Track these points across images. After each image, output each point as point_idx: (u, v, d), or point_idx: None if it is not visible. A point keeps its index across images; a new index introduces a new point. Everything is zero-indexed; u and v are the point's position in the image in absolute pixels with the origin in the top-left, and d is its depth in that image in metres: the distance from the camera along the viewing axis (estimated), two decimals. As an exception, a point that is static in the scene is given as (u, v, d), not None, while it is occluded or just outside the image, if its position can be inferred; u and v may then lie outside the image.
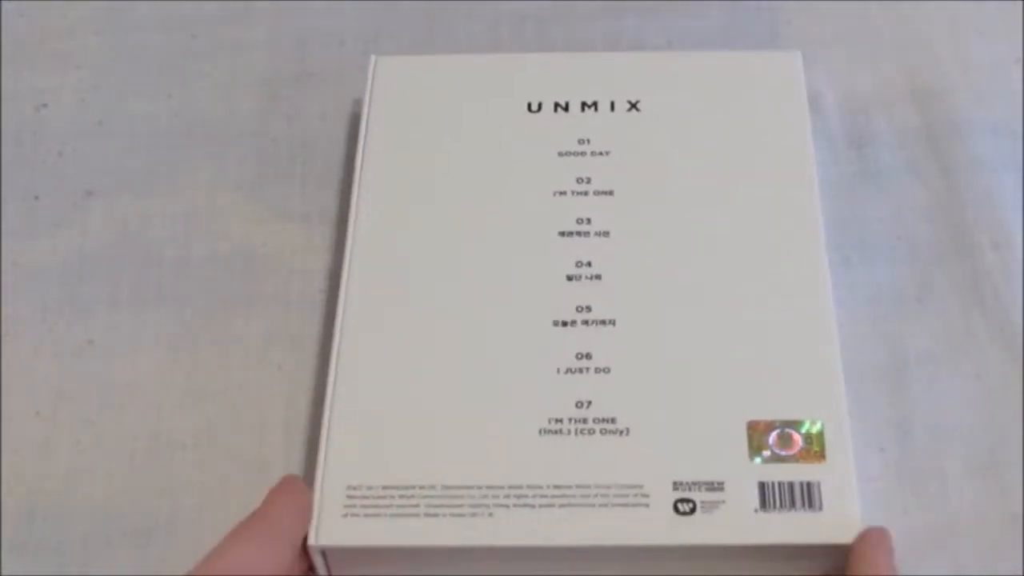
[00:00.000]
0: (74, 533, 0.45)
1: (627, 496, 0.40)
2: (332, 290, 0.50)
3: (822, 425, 0.42)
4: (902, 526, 0.42)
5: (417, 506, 0.40)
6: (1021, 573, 0.37)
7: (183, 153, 0.55)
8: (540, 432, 0.42)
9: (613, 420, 0.42)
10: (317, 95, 0.57)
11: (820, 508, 0.40)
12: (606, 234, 0.47)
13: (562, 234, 0.47)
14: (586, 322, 0.45)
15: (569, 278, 0.46)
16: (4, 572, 0.44)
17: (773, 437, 0.42)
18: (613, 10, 0.60)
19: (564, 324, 0.45)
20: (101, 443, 0.47)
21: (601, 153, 0.49)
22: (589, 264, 0.46)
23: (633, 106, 0.51)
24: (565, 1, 0.60)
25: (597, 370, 0.43)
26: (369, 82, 0.52)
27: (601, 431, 0.42)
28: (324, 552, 0.40)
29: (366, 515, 0.40)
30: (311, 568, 0.41)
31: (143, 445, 0.47)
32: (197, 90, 0.57)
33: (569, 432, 0.42)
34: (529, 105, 0.51)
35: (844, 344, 0.45)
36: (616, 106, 0.51)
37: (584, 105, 0.51)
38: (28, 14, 0.60)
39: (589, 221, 0.47)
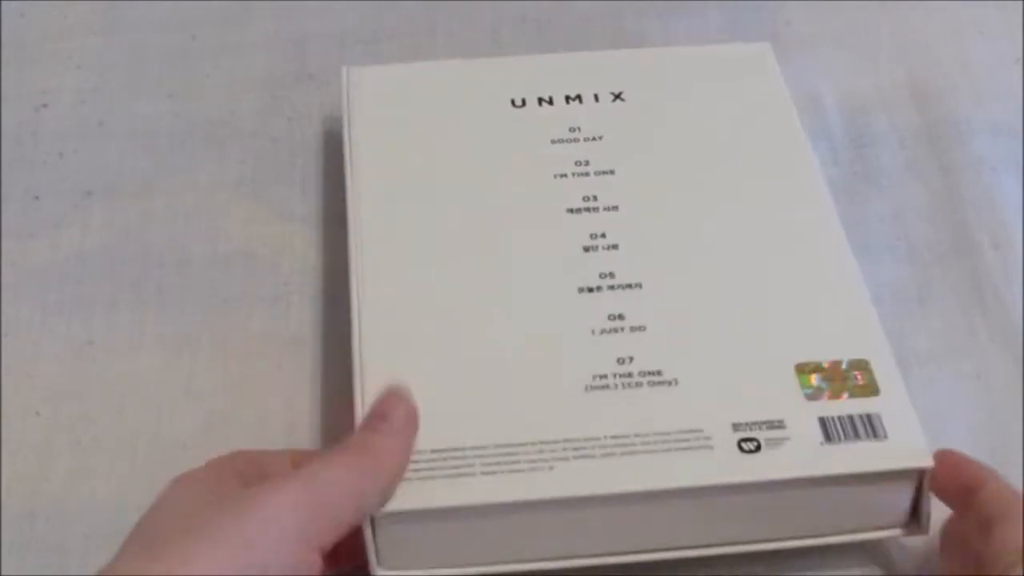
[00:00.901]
0: (74, 533, 0.45)
1: (688, 440, 0.40)
2: (332, 290, 0.50)
3: (869, 360, 0.42)
4: (902, 526, 0.42)
5: (472, 466, 0.39)
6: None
7: (183, 153, 0.55)
8: (586, 389, 0.42)
9: (659, 372, 0.42)
10: (317, 95, 0.57)
11: (885, 437, 0.40)
12: (615, 208, 0.47)
13: (571, 211, 0.47)
14: (612, 287, 0.44)
15: (586, 249, 0.46)
16: (4, 572, 0.44)
17: (823, 376, 0.42)
18: (613, 10, 0.60)
19: (590, 290, 0.44)
20: (101, 443, 0.47)
21: (594, 138, 0.50)
22: (603, 236, 0.46)
23: (617, 97, 0.51)
24: (565, 1, 0.60)
25: (632, 328, 0.43)
26: (345, 93, 0.52)
27: (649, 383, 0.42)
28: (374, 523, 0.38)
29: (419, 479, 0.39)
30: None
31: (143, 445, 0.47)
32: (197, 90, 0.57)
33: (616, 387, 0.42)
34: (513, 101, 0.51)
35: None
36: (600, 97, 0.51)
37: (568, 98, 0.51)
38: (28, 14, 0.60)
39: (595, 198, 0.47)
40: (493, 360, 0.43)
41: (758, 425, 0.40)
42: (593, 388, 0.42)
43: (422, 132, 0.50)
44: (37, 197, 0.54)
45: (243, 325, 0.50)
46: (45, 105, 0.57)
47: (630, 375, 0.42)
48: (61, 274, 0.51)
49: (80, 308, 0.50)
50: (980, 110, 0.56)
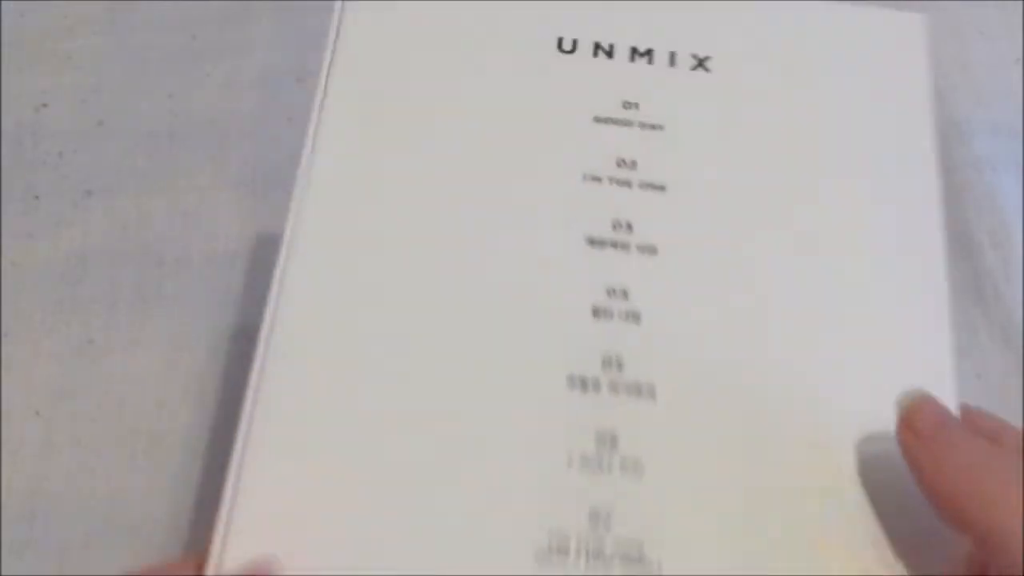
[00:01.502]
0: (74, 533, 0.45)
1: None
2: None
3: None
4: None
5: None
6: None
7: (183, 153, 0.55)
8: (536, 558, 0.31)
9: (640, 548, 0.31)
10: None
11: None
12: (652, 251, 0.35)
13: (592, 243, 0.35)
14: (612, 387, 0.33)
15: (595, 313, 0.34)
16: (4, 572, 0.44)
17: None
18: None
19: (583, 384, 0.33)
20: (101, 443, 0.47)
21: (653, 127, 0.37)
22: (625, 295, 0.34)
23: (700, 64, 0.38)
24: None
25: (623, 467, 0.32)
26: (333, 30, 0.39)
27: (621, 558, 0.31)
28: None
29: None
30: None
31: (143, 445, 0.47)
32: (197, 90, 0.57)
33: (581, 553, 0.30)
34: (560, 41, 0.38)
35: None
36: (678, 59, 0.38)
37: (635, 52, 0.38)
38: (28, 14, 0.60)
39: (630, 227, 0.35)
40: (412, 475, 0.32)
41: None
42: (551, 552, 0.30)
43: (418, 87, 0.37)
44: (37, 197, 0.54)
45: (243, 325, 0.50)
46: (45, 105, 0.57)
47: (601, 549, 0.30)
48: (61, 274, 0.51)
49: (80, 308, 0.50)
50: (980, 110, 0.56)
